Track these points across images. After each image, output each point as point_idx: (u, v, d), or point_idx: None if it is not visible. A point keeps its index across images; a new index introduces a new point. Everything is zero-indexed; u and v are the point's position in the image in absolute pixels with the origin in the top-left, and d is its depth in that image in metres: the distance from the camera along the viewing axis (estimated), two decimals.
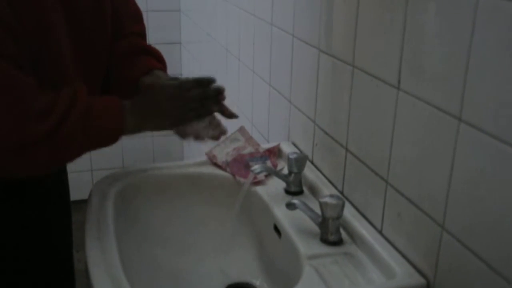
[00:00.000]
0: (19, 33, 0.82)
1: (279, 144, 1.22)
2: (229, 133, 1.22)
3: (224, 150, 1.19)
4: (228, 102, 1.77)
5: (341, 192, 1.02)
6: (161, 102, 0.97)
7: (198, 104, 0.99)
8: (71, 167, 1.13)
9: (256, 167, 1.04)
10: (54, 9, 0.88)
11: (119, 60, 1.10)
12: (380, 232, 0.89)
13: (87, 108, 0.88)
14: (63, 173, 1.17)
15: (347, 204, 0.94)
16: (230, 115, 1.08)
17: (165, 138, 2.93)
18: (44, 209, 1.07)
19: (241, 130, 1.22)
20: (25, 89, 0.84)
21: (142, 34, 1.17)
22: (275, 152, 1.20)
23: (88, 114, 0.88)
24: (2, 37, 0.80)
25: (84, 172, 2.60)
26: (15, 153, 0.84)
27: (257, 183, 1.10)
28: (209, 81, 1.01)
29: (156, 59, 1.13)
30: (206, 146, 1.22)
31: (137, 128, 0.96)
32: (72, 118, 0.86)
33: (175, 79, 1.02)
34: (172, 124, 1.00)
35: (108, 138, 0.94)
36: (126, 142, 2.84)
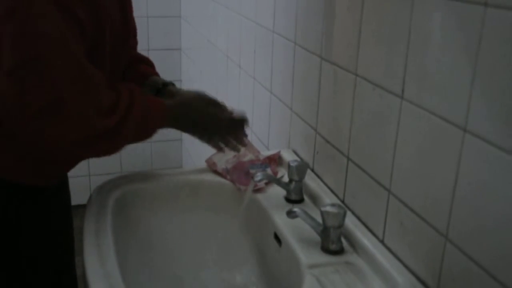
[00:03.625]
0: (88, 32, 0.89)
1: (279, 152, 1.21)
2: None
3: (224, 158, 1.18)
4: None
5: (342, 201, 1.02)
6: (201, 118, 1.07)
7: (225, 135, 1.09)
8: (69, 172, 1.13)
9: (257, 174, 1.04)
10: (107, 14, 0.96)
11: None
12: (382, 241, 0.88)
13: (143, 110, 0.96)
14: (65, 178, 1.17)
15: (348, 213, 0.93)
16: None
17: (163, 144, 2.93)
18: (46, 215, 1.07)
19: None
20: (99, 85, 0.91)
21: (133, 46, 1.24)
22: (275, 160, 1.19)
23: (145, 114, 0.96)
24: (78, 34, 0.87)
25: (82, 177, 2.59)
26: (79, 143, 0.90)
27: (258, 190, 1.09)
28: (241, 122, 1.12)
29: (147, 65, 1.24)
30: (205, 152, 1.21)
31: (172, 127, 1.06)
32: (131, 118, 0.93)
33: (218, 103, 1.11)
34: (199, 137, 1.10)
35: (148, 135, 1.01)
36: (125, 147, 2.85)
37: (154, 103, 1.01)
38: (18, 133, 0.91)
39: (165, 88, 1.16)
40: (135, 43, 1.23)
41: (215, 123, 1.08)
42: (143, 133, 0.99)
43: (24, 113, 0.85)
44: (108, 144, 0.94)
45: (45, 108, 0.84)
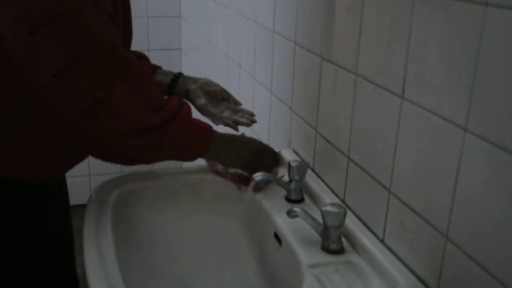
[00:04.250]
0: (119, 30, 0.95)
1: (280, 152, 1.21)
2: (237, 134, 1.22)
3: None
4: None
5: (343, 201, 1.02)
6: (246, 151, 1.11)
7: (263, 168, 1.10)
8: (69, 172, 1.13)
9: (257, 174, 1.04)
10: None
11: None
12: (382, 241, 0.88)
13: (190, 118, 0.99)
14: (62, 179, 1.17)
15: (348, 213, 0.93)
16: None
17: None
18: (44, 214, 1.07)
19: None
20: (149, 81, 0.96)
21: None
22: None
23: (190, 123, 0.99)
24: (116, 32, 0.93)
25: (81, 177, 2.59)
26: (130, 134, 0.92)
27: (258, 189, 1.10)
28: (277, 159, 1.18)
29: (145, 60, 1.24)
30: None
31: (215, 157, 1.09)
32: (178, 120, 0.96)
33: (260, 143, 1.17)
34: (239, 168, 1.12)
35: (191, 153, 1.04)
36: None
37: (203, 123, 1.04)
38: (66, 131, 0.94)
39: (178, 79, 1.20)
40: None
41: (257, 159, 1.12)
42: (185, 145, 1.00)
43: (71, 113, 0.88)
44: (153, 142, 0.94)
45: (93, 106, 0.87)
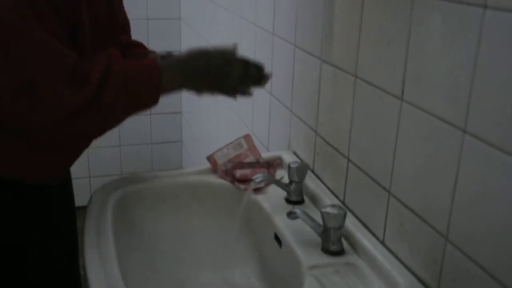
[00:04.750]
0: (61, 12, 0.88)
1: (279, 158, 1.22)
2: (234, 138, 1.22)
3: (225, 157, 1.19)
4: (228, 111, 1.77)
5: (343, 202, 1.02)
6: (206, 68, 0.99)
7: (238, 82, 1.01)
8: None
9: (257, 176, 1.04)
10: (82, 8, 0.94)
11: None
12: (382, 242, 0.89)
13: (125, 70, 0.91)
14: (68, 177, 1.17)
15: (348, 214, 0.93)
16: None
17: (164, 145, 2.93)
18: (49, 213, 1.07)
19: (246, 137, 1.22)
20: (72, 65, 0.88)
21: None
22: (274, 166, 1.20)
23: (127, 75, 0.91)
24: (49, 14, 0.86)
25: (82, 179, 2.59)
26: (64, 122, 0.88)
27: (258, 190, 1.10)
28: (256, 67, 1.03)
29: (143, 48, 1.20)
30: (205, 154, 1.22)
31: (177, 87, 0.99)
32: (111, 81, 0.89)
33: (224, 51, 1.03)
34: (208, 91, 1.02)
35: (148, 97, 0.95)
36: (125, 149, 2.86)
37: (143, 62, 0.97)
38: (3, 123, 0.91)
39: (170, 56, 1.10)
40: (128, 39, 1.21)
41: (223, 70, 0.99)
42: (138, 95, 0.93)
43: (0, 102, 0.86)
44: (95, 117, 0.89)
45: (18, 93, 0.85)
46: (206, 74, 0.99)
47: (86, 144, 1.12)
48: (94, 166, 2.74)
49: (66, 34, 0.91)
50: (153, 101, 0.96)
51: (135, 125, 2.83)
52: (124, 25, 1.21)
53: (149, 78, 0.94)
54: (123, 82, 0.90)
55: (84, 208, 1.06)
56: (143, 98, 0.95)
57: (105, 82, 0.89)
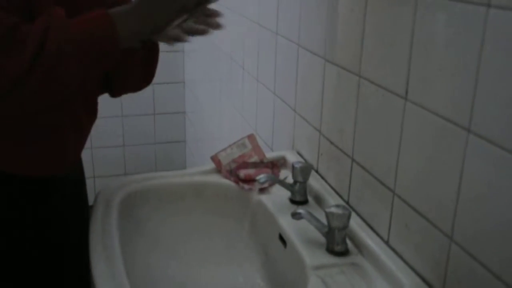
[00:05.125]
0: None
1: (283, 158, 1.21)
2: (238, 138, 1.22)
3: (229, 157, 1.19)
4: (232, 111, 1.77)
5: (347, 202, 1.02)
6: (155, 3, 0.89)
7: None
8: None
9: (261, 176, 1.04)
10: None
11: None
12: (387, 242, 0.88)
13: (66, 25, 0.83)
14: (81, 176, 1.18)
15: (353, 215, 0.93)
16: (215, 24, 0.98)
17: (167, 146, 2.94)
18: (62, 210, 1.08)
19: (250, 137, 1.22)
20: (5, 25, 0.81)
21: None
22: (278, 166, 1.19)
23: (68, 29, 0.83)
24: None
25: (86, 179, 2.59)
26: (9, 92, 0.82)
27: (262, 190, 1.10)
28: None
29: None
30: (209, 154, 1.22)
31: (137, 32, 0.89)
32: (51, 38, 0.81)
33: None
34: (169, 15, 0.91)
35: (102, 45, 0.86)
36: (128, 149, 2.86)
37: (89, 13, 0.87)
38: None
39: None
40: None
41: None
42: (89, 44, 0.84)
43: None
44: (48, 73, 0.82)
45: None
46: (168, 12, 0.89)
47: (74, 130, 1.06)
48: (98, 166, 2.74)
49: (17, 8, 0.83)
50: (111, 46, 0.86)
51: (139, 125, 2.84)
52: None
53: (98, 24, 0.86)
54: (66, 36, 0.82)
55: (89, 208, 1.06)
56: (97, 47, 0.86)
57: (43, 41, 0.81)
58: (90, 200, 1.23)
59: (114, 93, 1.14)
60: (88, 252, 1.17)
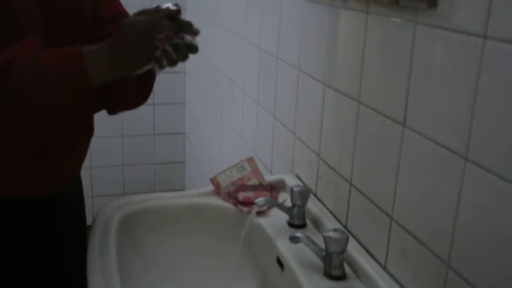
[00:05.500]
0: None
1: (282, 181, 1.22)
2: (237, 160, 1.23)
3: (229, 179, 1.20)
4: (232, 133, 1.79)
5: (345, 226, 1.02)
6: (129, 38, 0.86)
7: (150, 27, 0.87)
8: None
9: (260, 199, 1.05)
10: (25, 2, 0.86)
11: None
12: (384, 267, 0.89)
13: (35, 56, 0.81)
14: (79, 195, 1.18)
15: (351, 239, 0.94)
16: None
17: (166, 166, 2.94)
18: (60, 229, 1.08)
19: (250, 160, 1.23)
20: None
21: None
22: (277, 189, 1.20)
23: (37, 61, 0.81)
24: None
25: (85, 198, 2.60)
26: None
27: (260, 213, 1.10)
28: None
29: None
30: (208, 176, 1.23)
31: (109, 72, 0.87)
32: (16, 67, 0.79)
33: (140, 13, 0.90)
34: (141, 59, 0.88)
35: (70, 84, 0.84)
36: (127, 169, 2.87)
37: (62, 48, 0.85)
38: None
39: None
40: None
41: (145, 29, 0.86)
42: (56, 80, 0.82)
43: None
44: (4, 101, 0.79)
45: None
46: (132, 41, 0.86)
47: (68, 148, 1.04)
48: (97, 186, 2.75)
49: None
50: (79, 91, 0.84)
51: (138, 145, 2.85)
52: (112, 22, 1.08)
53: (68, 62, 0.83)
54: (33, 70, 0.80)
55: (88, 227, 1.07)
56: (62, 87, 0.83)
57: (8, 70, 0.79)
58: (88, 219, 1.24)
59: (111, 111, 1.12)
60: (85, 271, 1.17)
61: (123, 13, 1.11)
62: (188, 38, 0.90)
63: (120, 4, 1.13)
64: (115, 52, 0.86)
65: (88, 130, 1.10)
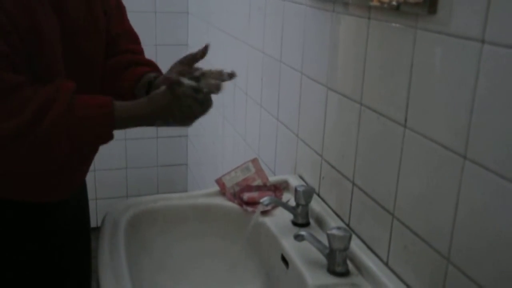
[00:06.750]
0: (11, 32, 0.84)
1: (286, 181, 1.25)
2: (242, 161, 1.26)
3: (233, 180, 1.23)
4: (235, 136, 1.80)
5: (348, 225, 1.05)
6: (159, 111, 0.96)
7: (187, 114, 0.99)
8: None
9: (265, 198, 1.08)
10: (46, 15, 0.90)
11: (112, 75, 1.13)
12: (386, 264, 0.92)
13: (70, 106, 0.87)
14: (84, 198, 1.21)
15: (353, 237, 0.96)
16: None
17: (169, 168, 2.97)
18: (65, 232, 1.10)
19: (254, 161, 1.26)
20: (4, 87, 0.84)
21: (136, 52, 1.19)
22: (281, 189, 1.23)
23: (71, 113, 0.87)
24: None
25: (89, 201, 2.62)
26: None
27: (265, 212, 1.13)
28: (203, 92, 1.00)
29: (148, 67, 1.15)
30: (210, 178, 1.25)
31: (130, 126, 0.98)
32: (50, 116, 0.85)
33: (173, 88, 0.98)
34: (162, 124, 1.00)
35: (97, 137, 0.93)
36: (131, 171, 2.89)
37: (95, 99, 0.93)
38: None
39: (155, 81, 1.08)
40: (133, 48, 1.18)
41: (175, 107, 0.96)
42: (85, 131, 0.89)
43: None
44: (34, 145, 0.86)
45: None
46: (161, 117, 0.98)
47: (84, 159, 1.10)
48: (101, 188, 2.77)
49: (17, 52, 0.86)
50: (104, 141, 0.94)
51: (142, 147, 2.88)
52: (130, 35, 1.19)
53: (98, 122, 0.91)
54: (65, 122, 0.86)
55: (92, 230, 1.09)
56: (90, 140, 0.93)
57: (41, 116, 0.85)
58: (92, 222, 1.26)
59: None
60: (89, 272, 1.20)
61: (130, 30, 1.19)
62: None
63: (128, 21, 1.19)
64: (145, 119, 0.97)
65: None
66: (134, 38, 1.22)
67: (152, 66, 1.18)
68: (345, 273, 0.92)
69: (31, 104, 0.85)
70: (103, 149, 1.09)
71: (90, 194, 2.86)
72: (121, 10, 1.18)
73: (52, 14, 0.92)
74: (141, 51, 1.22)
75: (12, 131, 0.84)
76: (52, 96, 0.87)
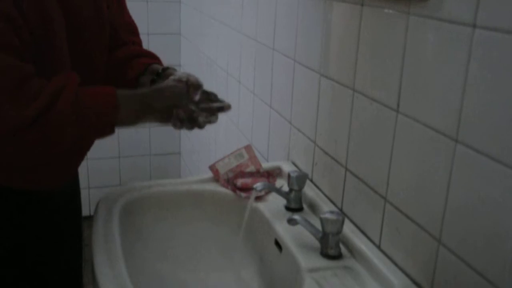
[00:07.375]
0: (21, 26, 0.86)
1: (279, 168, 1.26)
2: (235, 148, 1.26)
3: (227, 166, 1.24)
4: (228, 123, 1.81)
5: (341, 209, 1.06)
6: (162, 108, 0.99)
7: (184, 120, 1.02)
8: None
9: (258, 184, 1.09)
10: (54, 10, 0.92)
11: (116, 67, 1.15)
12: (379, 247, 0.93)
13: (78, 94, 0.90)
14: (76, 187, 1.21)
15: (346, 221, 0.98)
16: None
17: (162, 157, 2.97)
18: (58, 221, 1.11)
19: (247, 148, 1.27)
20: (14, 74, 0.86)
21: (137, 43, 1.23)
22: (274, 175, 1.24)
23: (79, 99, 0.90)
24: (6, 29, 0.85)
25: (81, 190, 2.62)
26: (7, 137, 0.87)
27: (258, 198, 1.14)
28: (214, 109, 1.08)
29: (150, 58, 1.19)
30: (203, 166, 1.26)
31: (131, 122, 0.99)
32: (61, 102, 0.88)
33: (177, 85, 1.03)
34: (164, 122, 1.02)
35: (102, 126, 0.95)
36: (124, 160, 2.89)
37: (100, 89, 0.96)
38: None
39: (163, 73, 1.11)
40: (134, 39, 1.21)
41: (177, 104, 1.00)
42: (91, 121, 0.92)
43: None
44: (45, 134, 0.88)
45: None
46: (160, 113, 1.00)
47: (59, 155, 1.08)
48: (93, 177, 2.77)
49: (30, 46, 0.89)
50: (106, 132, 0.97)
51: (134, 136, 2.87)
52: (130, 27, 1.22)
53: (104, 110, 0.93)
54: (75, 108, 0.89)
55: (84, 218, 1.09)
56: (95, 127, 0.95)
57: (54, 103, 0.87)
58: (84, 210, 1.26)
59: None
60: (81, 260, 1.20)
61: (130, 22, 1.22)
62: (204, 115, 1.05)
63: (128, 13, 1.21)
64: (146, 108, 0.98)
65: None
66: (134, 30, 1.25)
67: (154, 57, 1.21)
68: (338, 256, 0.94)
69: (43, 93, 0.87)
70: None
71: (82, 183, 2.86)
72: (121, 1, 1.19)
73: (58, 9, 0.93)
74: (140, 43, 1.25)
75: (27, 118, 0.86)
76: (62, 84, 0.90)
